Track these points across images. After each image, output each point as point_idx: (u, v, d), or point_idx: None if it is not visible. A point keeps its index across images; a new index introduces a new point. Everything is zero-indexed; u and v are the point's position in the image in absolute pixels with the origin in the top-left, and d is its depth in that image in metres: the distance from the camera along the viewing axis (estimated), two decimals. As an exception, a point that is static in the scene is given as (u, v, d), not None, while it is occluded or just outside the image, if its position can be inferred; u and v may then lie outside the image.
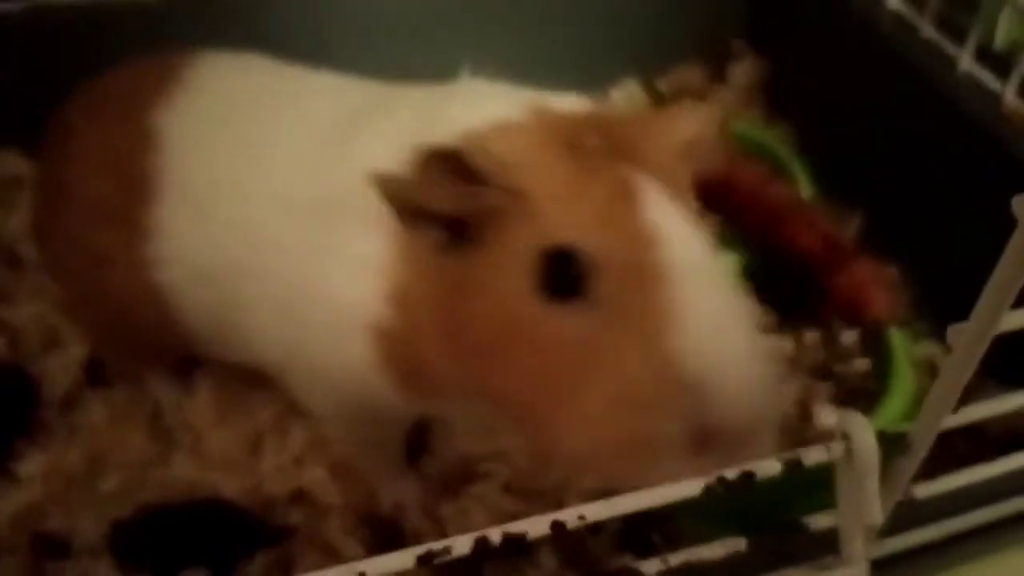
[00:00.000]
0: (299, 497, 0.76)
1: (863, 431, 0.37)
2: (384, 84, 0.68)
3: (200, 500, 0.75)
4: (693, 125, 0.53)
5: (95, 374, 0.84)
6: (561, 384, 0.45)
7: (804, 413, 0.70)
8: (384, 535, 0.74)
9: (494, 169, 0.46)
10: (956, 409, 0.38)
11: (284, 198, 0.62)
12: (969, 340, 0.34)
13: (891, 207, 0.95)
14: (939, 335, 0.87)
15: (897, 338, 0.73)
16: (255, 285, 0.63)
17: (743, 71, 1.12)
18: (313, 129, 0.63)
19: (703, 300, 0.43)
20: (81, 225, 0.70)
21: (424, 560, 0.38)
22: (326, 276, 0.58)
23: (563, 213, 0.45)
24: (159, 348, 0.78)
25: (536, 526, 0.37)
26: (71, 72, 0.76)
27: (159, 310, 0.69)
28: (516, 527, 0.37)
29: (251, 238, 0.63)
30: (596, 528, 0.74)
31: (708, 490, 0.37)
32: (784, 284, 0.78)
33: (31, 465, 0.77)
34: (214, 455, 0.79)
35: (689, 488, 0.37)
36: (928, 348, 0.84)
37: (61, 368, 0.83)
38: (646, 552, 0.71)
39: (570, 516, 0.37)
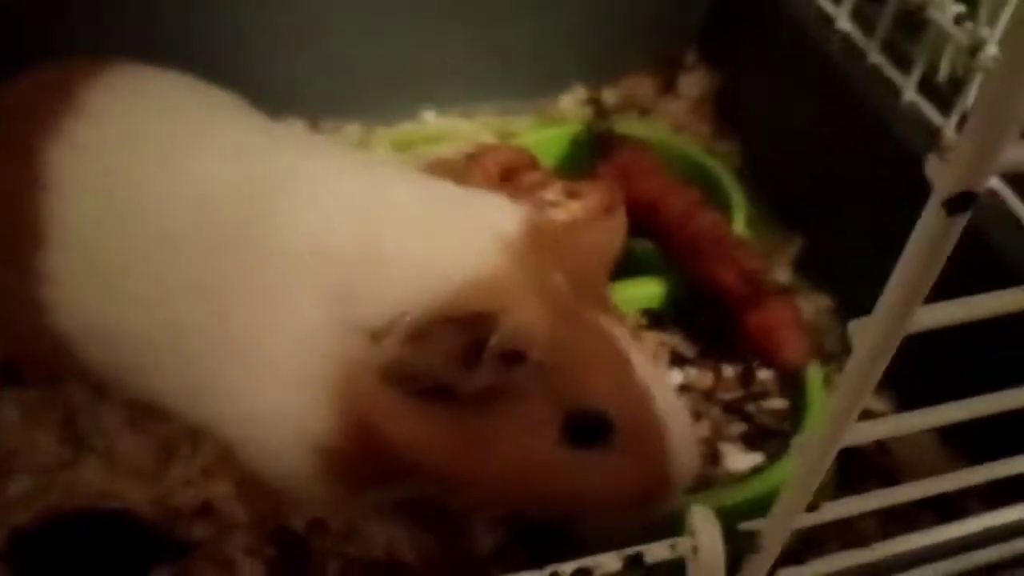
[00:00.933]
0: (206, 511, 0.75)
1: (709, 527, 0.36)
2: (311, 145, 0.67)
3: (104, 510, 0.74)
4: (613, 238, 0.64)
5: (9, 374, 0.82)
6: (589, 495, 0.56)
7: (713, 453, 0.69)
8: (291, 554, 0.73)
9: (527, 349, 0.51)
10: (812, 508, 0.37)
11: (197, 278, 0.59)
12: (812, 453, 0.33)
13: (828, 232, 0.94)
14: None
15: (815, 377, 0.73)
16: (166, 360, 0.61)
17: (694, 83, 1.10)
18: (231, 194, 0.60)
19: (683, 437, 0.56)
20: None
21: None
22: (259, 389, 0.57)
23: (583, 382, 0.54)
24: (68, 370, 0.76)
25: None
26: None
27: (59, 349, 0.66)
28: None
29: (157, 316, 0.60)
30: None
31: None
32: (704, 316, 0.78)
33: (-62, 464, 0.76)
34: (124, 462, 0.78)
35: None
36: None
37: (-28, 366, 0.82)
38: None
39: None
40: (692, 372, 0.75)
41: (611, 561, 0.36)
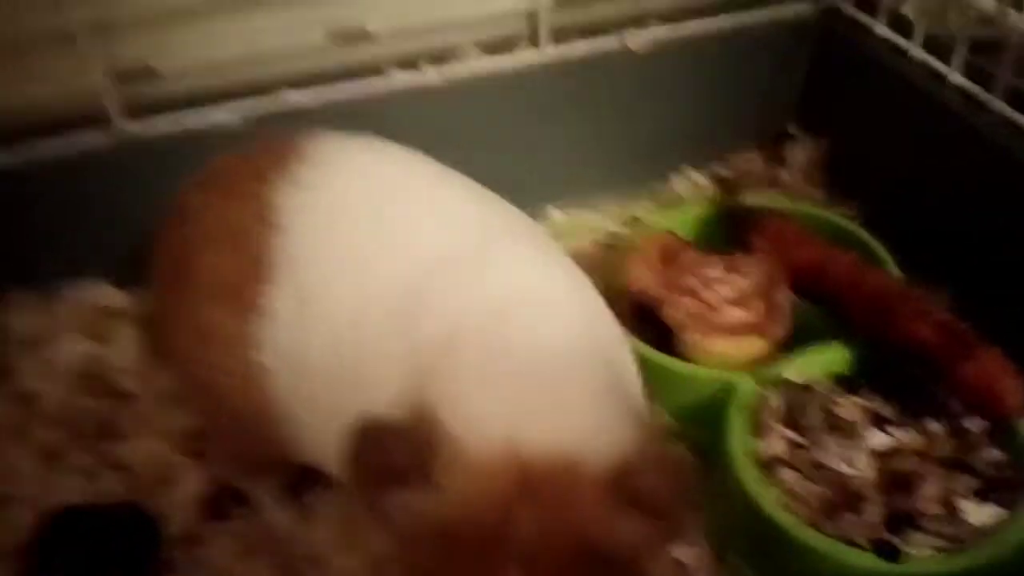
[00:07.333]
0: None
1: None
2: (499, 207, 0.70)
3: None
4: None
5: (214, 509, 0.83)
6: None
7: (951, 511, 0.70)
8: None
9: None
10: None
11: (394, 322, 0.61)
12: None
13: (974, 284, 0.96)
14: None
15: (1024, 425, 0.73)
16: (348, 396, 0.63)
17: (800, 152, 1.14)
18: (442, 250, 0.63)
19: None
20: (193, 302, 0.70)
21: None
22: None
23: None
24: (266, 451, 0.76)
25: None
26: (160, 204, 0.76)
27: (260, 397, 0.68)
28: None
29: (338, 352, 0.63)
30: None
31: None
32: (900, 374, 0.79)
33: (163, 610, 0.76)
34: (342, 584, 0.78)
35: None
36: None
37: (178, 504, 0.83)
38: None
39: None
40: (898, 433, 0.76)
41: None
